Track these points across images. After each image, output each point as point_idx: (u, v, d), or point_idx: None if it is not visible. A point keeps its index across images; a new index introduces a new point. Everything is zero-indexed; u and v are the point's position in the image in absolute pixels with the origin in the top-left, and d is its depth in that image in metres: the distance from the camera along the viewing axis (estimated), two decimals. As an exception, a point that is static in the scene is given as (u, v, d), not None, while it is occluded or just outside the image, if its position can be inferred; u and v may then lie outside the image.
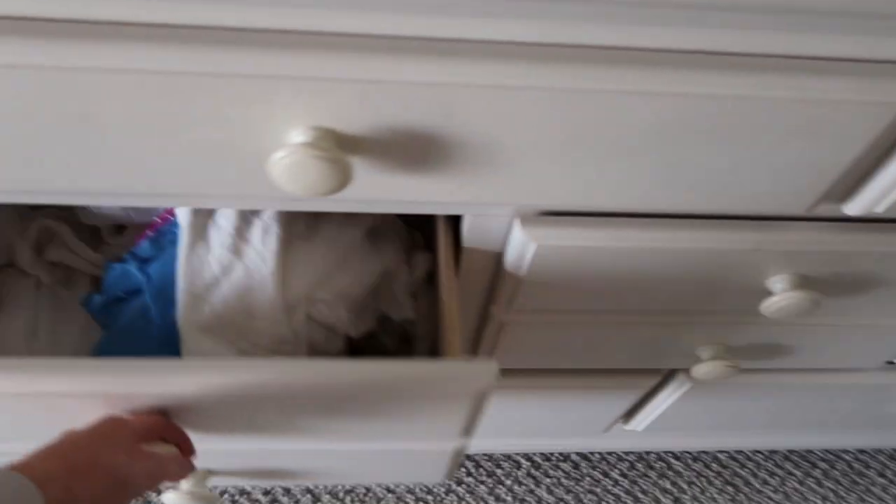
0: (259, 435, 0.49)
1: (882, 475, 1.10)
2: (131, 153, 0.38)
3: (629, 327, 0.60)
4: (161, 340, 0.50)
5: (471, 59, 0.34)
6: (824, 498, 1.06)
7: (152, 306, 0.52)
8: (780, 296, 0.51)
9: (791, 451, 1.10)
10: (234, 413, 0.45)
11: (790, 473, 1.08)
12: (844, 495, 1.07)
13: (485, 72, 0.34)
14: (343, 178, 0.36)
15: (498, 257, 0.52)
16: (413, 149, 0.39)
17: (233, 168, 0.39)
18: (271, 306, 0.50)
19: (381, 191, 0.42)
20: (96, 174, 0.39)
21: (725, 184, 0.44)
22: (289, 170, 0.35)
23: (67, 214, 0.56)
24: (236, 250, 0.51)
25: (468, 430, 0.49)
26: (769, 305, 0.52)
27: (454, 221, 0.52)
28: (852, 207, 0.47)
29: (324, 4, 0.32)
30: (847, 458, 1.11)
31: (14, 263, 0.56)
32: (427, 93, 0.35)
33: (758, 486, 1.07)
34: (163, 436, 0.41)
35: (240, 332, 0.50)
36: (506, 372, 0.68)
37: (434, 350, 0.57)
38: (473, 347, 0.64)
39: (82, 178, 0.40)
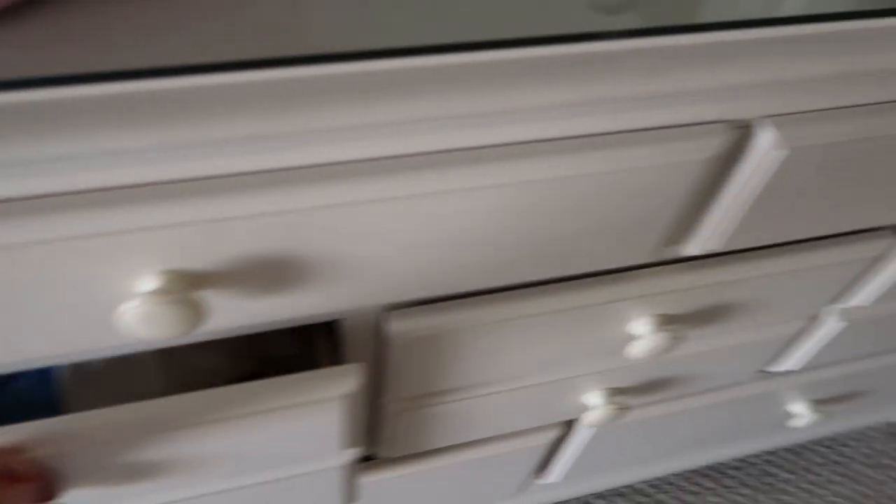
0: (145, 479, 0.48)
1: (789, 472, 1.16)
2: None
3: (512, 393, 0.61)
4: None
5: (306, 183, 0.35)
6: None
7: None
8: (645, 338, 0.54)
9: (707, 467, 1.15)
10: (107, 456, 0.45)
11: (707, 488, 1.13)
12: (756, 497, 1.12)
13: (318, 194, 0.35)
14: (198, 316, 0.36)
15: (375, 350, 0.53)
16: (268, 272, 0.39)
17: (81, 324, 0.38)
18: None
19: (243, 316, 0.42)
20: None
21: (576, 248, 0.47)
22: (141, 318, 0.35)
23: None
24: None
25: (347, 441, 0.50)
26: (635, 348, 0.55)
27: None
28: (691, 248, 0.52)
29: (154, 158, 0.33)
30: (756, 461, 1.17)
31: None
32: (269, 221, 0.36)
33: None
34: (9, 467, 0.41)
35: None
36: (406, 457, 0.68)
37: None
38: (370, 439, 0.64)
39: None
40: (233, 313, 0.41)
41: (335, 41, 0.36)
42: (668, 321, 0.56)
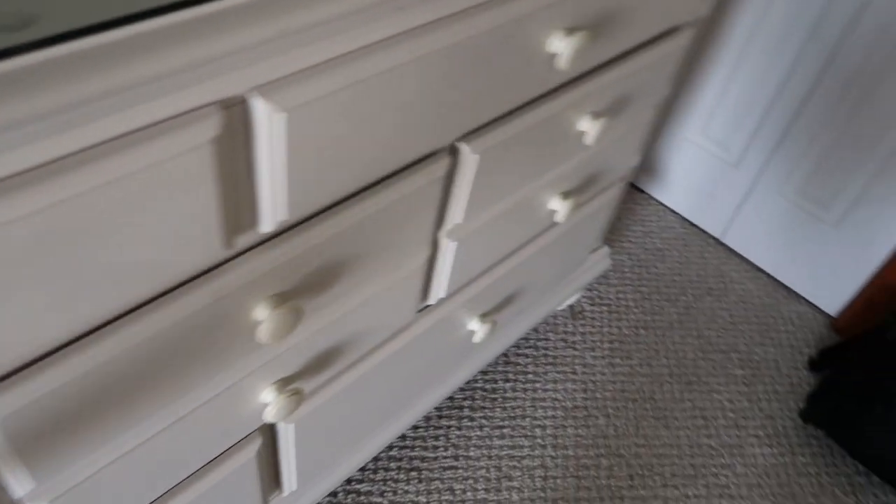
0: None
1: (508, 381, 1.30)
2: None
3: (181, 424, 0.60)
4: None
5: None
6: (480, 427, 1.22)
7: None
8: (266, 322, 0.56)
9: (438, 409, 1.23)
10: None
11: (448, 426, 1.21)
12: (492, 415, 1.24)
13: None
14: None
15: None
16: None
17: None
18: None
19: None
20: None
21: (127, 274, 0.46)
22: None
23: None
24: None
25: None
26: (261, 333, 0.57)
27: None
28: (265, 226, 0.54)
29: None
30: (478, 384, 1.28)
31: None
32: None
33: (432, 454, 1.17)
34: None
35: None
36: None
37: None
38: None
39: None
40: None
41: None
42: (281, 300, 0.58)
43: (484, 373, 1.30)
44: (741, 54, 1.40)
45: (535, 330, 1.39)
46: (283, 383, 0.68)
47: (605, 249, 1.35)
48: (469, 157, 0.69)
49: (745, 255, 1.59)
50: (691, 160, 1.58)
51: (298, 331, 0.66)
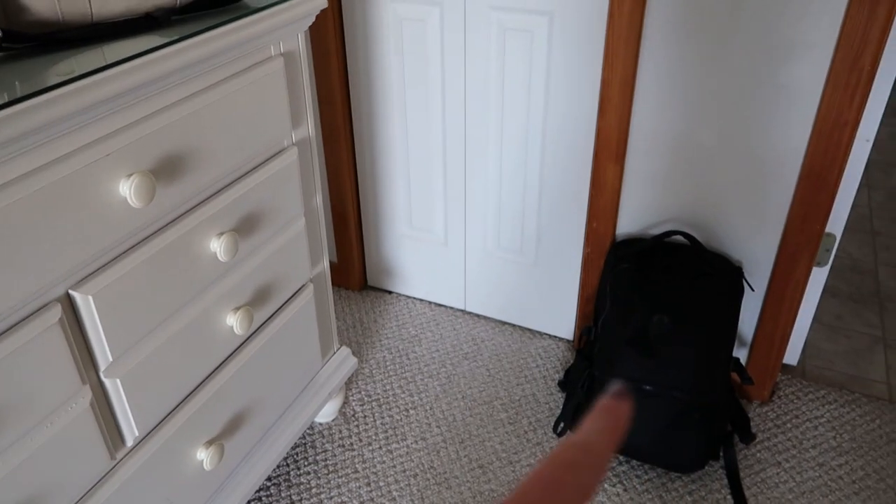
0: None
1: (290, 503, 1.33)
2: None
3: None
4: None
5: None
6: None
7: None
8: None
9: None
10: None
11: None
12: None
13: None
14: None
15: None
16: None
17: None
18: None
19: None
20: None
21: None
22: None
23: None
24: None
25: None
26: None
27: None
28: None
29: None
30: None
31: None
32: None
33: None
34: None
35: None
36: None
37: None
38: None
39: None
40: None
41: None
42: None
43: (268, 503, 1.33)
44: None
45: (312, 446, 1.45)
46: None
47: (345, 350, 1.47)
48: (84, 300, 0.80)
49: (487, 315, 1.78)
50: (412, 251, 1.78)
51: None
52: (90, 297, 0.80)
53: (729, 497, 1.33)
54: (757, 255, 1.41)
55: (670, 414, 1.29)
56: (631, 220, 1.49)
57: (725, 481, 1.36)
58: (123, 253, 0.85)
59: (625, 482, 1.37)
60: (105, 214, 0.79)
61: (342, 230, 1.80)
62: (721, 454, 1.38)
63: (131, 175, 0.80)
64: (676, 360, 1.28)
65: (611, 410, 0.28)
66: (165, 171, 0.86)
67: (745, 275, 1.43)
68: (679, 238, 1.44)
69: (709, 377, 1.30)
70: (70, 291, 0.79)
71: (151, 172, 0.83)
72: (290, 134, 1.09)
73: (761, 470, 1.39)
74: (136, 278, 0.85)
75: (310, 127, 1.16)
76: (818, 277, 1.51)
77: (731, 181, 1.36)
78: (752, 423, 1.48)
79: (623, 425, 0.29)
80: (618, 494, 1.34)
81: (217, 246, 0.96)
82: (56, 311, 0.77)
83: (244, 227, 1.02)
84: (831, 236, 1.46)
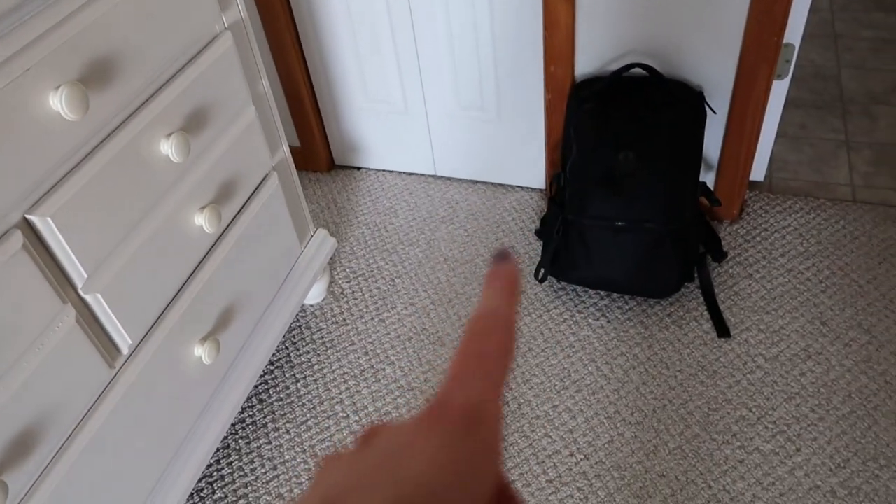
0: None
1: (295, 381, 1.40)
2: None
3: None
4: None
5: None
6: (287, 430, 1.31)
7: None
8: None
9: (243, 437, 1.32)
10: None
11: (259, 446, 1.30)
12: (293, 416, 1.34)
13: None
14: None
15: None
16: None
17: None
18: None
19: None
20: None
21: None
22: None
23: None
24: None
25: None
26: None
27: None
28: None
29: None
30: (272, 398, 1.38)
31: None
32: None
33: (252, 476, 1.26)
34: None
35: None
36: None
37: None
38: None
39: None
40: None
41: None
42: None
43: (274, 385, 1.40)
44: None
45: (307, 327, 1.50)
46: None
47: (322, 232, 1.48)
48: (44, 223, 0.79)
49: (458, 176, 1.78)
50: (374, 123, 1.75)
51: None
52: (48, 219, 0.79)
53: (706, 313, 1.41)
54: (717, 77, 1.40)
55: (644, 245, 1.34)
56: (589, 59, 1.45)
57: (702, 299, 1.43)
58: (73, 169, 0.83)
59: (607, 315, 1.44)
60: (42, 133, 0.77)
61: (299, 113, 1.76)
62: (696, 275, 1.44)
63: (59, 87, 0.77)
64: (645, 194, 1.30)
65: (500, 274, 0.28)
66: (94, 77, 0.83)
67: (707, 98, 1.43)
68: (638, 70, 1.41)
69: (678, 205, 1.33)
70: (27, 216, 0.79)
71: (80, 81, 0.80)
72: (219, 18, 1.04)
73: (734, 284, 1.46)
74: (92, 192, 0.84)
75: (240, 8, 1.10)
76: (779, 90, 1.50)
77: (684, 2, 1.32)
78: (723, 242, 1.54)
79: (515, 282, 0.29)
80: (602, 327, 1.42)
81: (168, 148, 0.94)
82: (17, 238, 0.77)
83: (192, 125, 1.00)
84: (790, 46, 1.44)
